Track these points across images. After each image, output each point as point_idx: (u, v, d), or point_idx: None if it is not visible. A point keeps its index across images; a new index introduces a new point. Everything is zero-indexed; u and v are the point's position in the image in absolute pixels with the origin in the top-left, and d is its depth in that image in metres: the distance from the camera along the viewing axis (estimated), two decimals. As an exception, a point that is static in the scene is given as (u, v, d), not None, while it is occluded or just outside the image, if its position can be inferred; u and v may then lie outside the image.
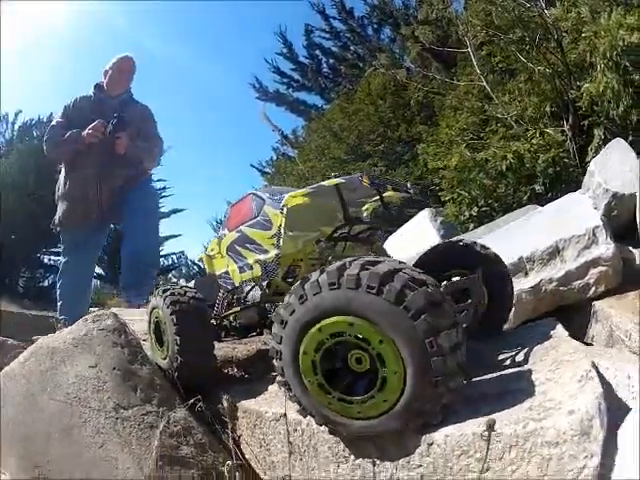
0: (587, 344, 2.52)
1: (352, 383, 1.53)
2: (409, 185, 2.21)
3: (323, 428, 1.66)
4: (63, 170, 4.67)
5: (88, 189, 4.47)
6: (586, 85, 4.80)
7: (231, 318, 2.62)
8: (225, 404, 1.86)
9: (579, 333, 2.68)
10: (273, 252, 2.12)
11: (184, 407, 2.11)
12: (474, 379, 1.64)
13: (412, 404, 1.41)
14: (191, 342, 2.18)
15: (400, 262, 1.52)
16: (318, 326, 1.51)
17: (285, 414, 1.83)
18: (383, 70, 8.62)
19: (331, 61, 16.02)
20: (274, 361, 1.65)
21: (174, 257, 18.01)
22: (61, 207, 4.62)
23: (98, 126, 4.40)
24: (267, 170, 16.53)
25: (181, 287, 2.37)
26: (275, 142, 16.36)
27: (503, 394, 1.54)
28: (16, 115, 16.20)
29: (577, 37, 5.22)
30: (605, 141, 3.99)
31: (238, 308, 2.55)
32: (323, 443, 1.69)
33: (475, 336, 1.80)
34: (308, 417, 1.69)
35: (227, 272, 2.41)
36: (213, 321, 2.50)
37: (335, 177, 1.95)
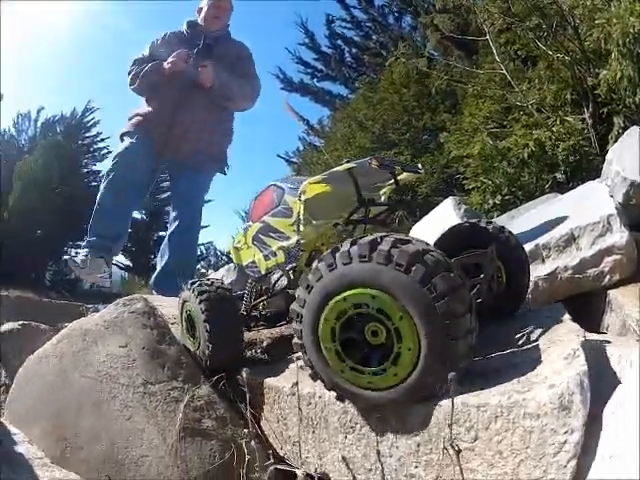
0: (601, 333, 2.55)
1: (366, 354, 1.57)
2: (420, 166, 2.27)
3: (334, 400, 1.74)
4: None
5: (164, 115, 4.40)
6: (603, 72, 4.76)
7: (260, 307, 2.68)
8: (244, 376, 1.91)
9: (595, 322, 2.70)
10: (294, 238, 2.18)
11: (208, 384, 2.23)
12: (476, 357, 1.68)
13: (421, 380, 1.46)
14: (221, 332, 2.23)
15: (427, 244, 1.57)
16: (343, 295, 1.54)
17: (297, 383, 1.91)
18: (403, 60, 8.56)
19: (354, 50, 15.88)
20: (294, 323, 1.70)
21: (202, 248, 18.06)
22: (130, 117, 4.57)
23: (181, 54, 4.32)
24: (294, 160, 16.41)
25: (209, 279, 2.42)
26: (301, 132, 16.27)
27: (499, 370, 1.60)
28: (38, 112, 16.32)
29: (592, 24, 5.16)
30: (625, 129, 3.95)
31: (265, 297, 2.61)
32: (333, 414, 1.77)
33: (489, 314, 1.84)
34: (320, 390, 1.78)
35: (254, 261, 2.48)
36: (243, 311, 2.54)
37: (347, 162, 2.01)
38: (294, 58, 16.53)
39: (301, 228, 2.14)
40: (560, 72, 5.82)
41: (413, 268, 1.44)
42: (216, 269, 8.78)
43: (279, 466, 1.83)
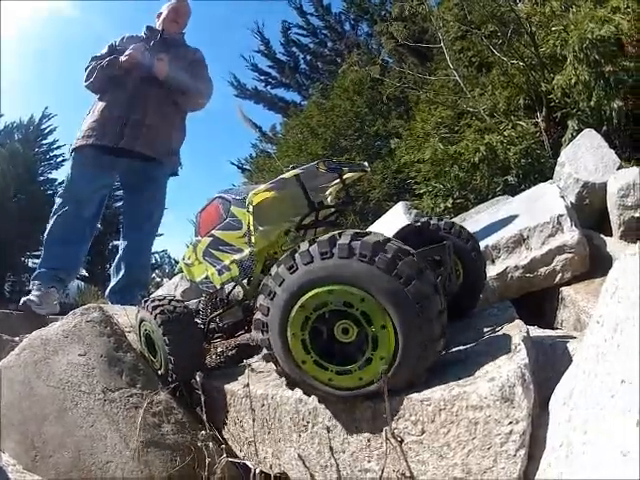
0: (555, 328, 2.61)
1: (344, 355, 1.55)
2: (365, 164, 2.25)
3: (285, 400, 1.76)
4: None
5: (115, 110, 4.36)
6: (558, 77, 4.87)
7: (217, 320, 2.63)
8: (199, 380, 1.91)
9: (550, 318, 2.78)
10: (247, 250, 2.15)
11: (166, 390, 2.23)
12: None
13: (407, 359, 1.45)
14: (183, 352, 2.22)
15: (383, 234, 1.56)
16: (300, 302, 1.51)
17: (248, 385, 1.92)
18: (357, 67, 8.65)
19: (308, 58, 16.09)
20: (259, 334, 1.64)
21: (157, 256, 17.99)
22: (80, 129, 4.47)
23: (138, 46, 4.29)
24: (247, 167, 16.47)
25: (165, 298, 2.39)
26: (254, 139, 16.31)
27: (445, 365, 1.60)
28: (-4, 119, 16.12)
29: (548, 31, 5.28)
30: (579, 132, 4.05)
31: (222, 310, 2.57)
32: (285, 414, 1.78)
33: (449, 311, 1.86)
34: (273, 391, 1.79)
35: (207, 277, 2.42)
36: (201, 325, 2.53)
37: (292, 168, 1.99)
38: (249, 65, 16.64)
39: (252, 239, 2.12)
40: (514, 78, 5.96)
41: (377, 257, 1.44)
42: (171, 277, 8.73)
43: (232, 459, 1.84)
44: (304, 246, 1.54)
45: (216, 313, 2.57)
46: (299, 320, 1.54)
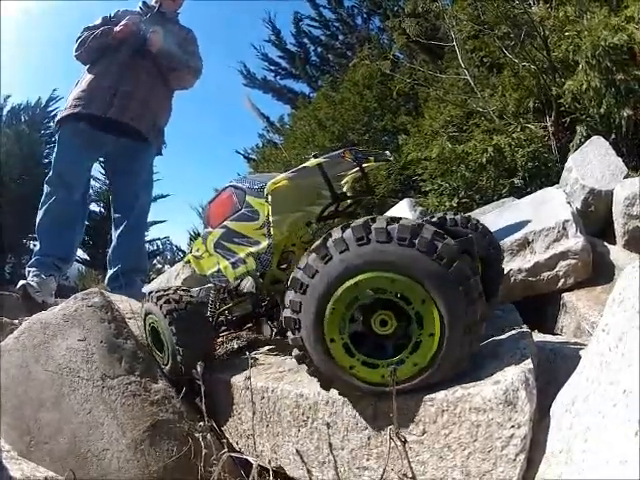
0: (556, 334, 2.61)
1: (375, 347, 1.50)
2: (388, 153, 2.19)
3: (286, 394, 1.76)
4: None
5: (105, 80, 4.32)
6: (569, 82, 4.86)
7: (225, 312, 2.55)
8: (199, 371, 1.89)
9: (551, 323, 2.77)
10: (265, 242, 2.06)
11: (165, 379, 2.23)
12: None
13: (453, 345, 1.41)
14: (193, 348, 2.15)
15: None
16: (354, 281, 1.43)
17: (249, 377, 1.91)
18: (368, 61, 8.61)
19: (319, 50, 15.97)
20: (289, 333, 1.57)
21: (159, 243, 17.89)
22: (67, 100, 4.46)
23: (133, 18, 4.29)
24: (253, 157, 16.27)
25: (174, 290, 2.30)
26: (261, 129, 16.17)
27: None
28: (5, 99, 16.03)
29: (562, 36, 5.27)
30: (587, 138, 4.04)
31: (232, 303, 2.50)
32: (285, 408, 1.78)
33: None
34: (273, 384, 1.81)
35: (219, 270, 2.34)
36: (209, 318, 2.46)
37: (315, 157, 1.90)
38: (259, 54, 16.55)
39: (272, 231, 2.03)
40: (525, 80, 5.95)
41: (417, 240, 1.39)
42: (172, 264, 8.71)
43: (233, 454, 1.83)
44: (336, 233, 1.47)
45: (226, 307, 2.50)
46: (338, 316, 1.47)
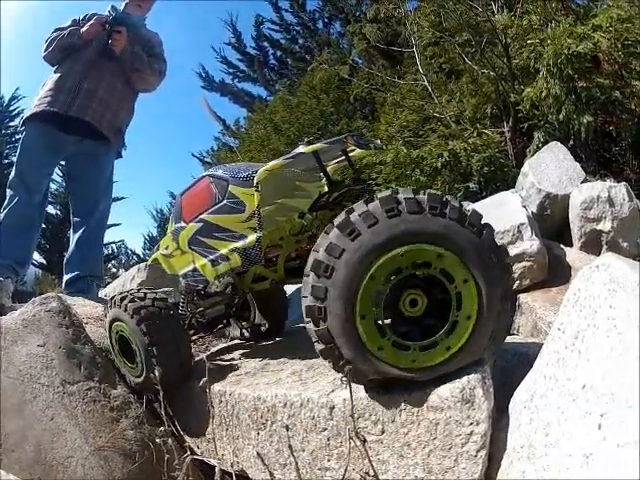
0: (512, 334, 2.64)
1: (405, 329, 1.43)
2: (379, 142, 2.06)
3: (244, 398, 1.76)
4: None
5: (69, 80, 4.26)
6: (528, 89, 4.93)
7: (198, 315, 2.39)
8: (157, 375, 1.86)
9: (507, 324, 2.81)
10: (253, 236, 1.86)
11: (123, 384, 2.20)
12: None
13: (490, 316, 1.38)
14: (170, 353, 2.03)
15: None
16: (392, 254, 1.34)
17: (207, 381, 1.88)
18: (326, 66, 8.64)
19: (279, 53, 15.99)
20: (311, 326, 1.44)
21: (114, 246, 17.70)
22: (34, 101, 4.36)
23: (99, 18, 4.24)
24: (208, 160, 16.22)
25: (141, 291, 2.13)
26: (217, 132, 16.20)
27: None
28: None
29: (524, 43, 5.35)
30: (545, 144, 4.10)
31: (209, 302, 2.36)
32: (244, 412, 1.78)
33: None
34: (230, 388, 1.81)
35: (195, 269, 2.11)
36: (181, 320, 2.25)
37: (308, 143, 1.76)
38: (218, 57, 16.49)
39: (261, 223, 1.84)
40: (483, 87, 6.02)
41: (447, 210, 1.34)
42: (127, 269, 8.58)
43: (196, 457, 1.82)
44: (360, 207, 1.39)
45: (201, 309, 2.36)
46: (371, 295, 1.37)
